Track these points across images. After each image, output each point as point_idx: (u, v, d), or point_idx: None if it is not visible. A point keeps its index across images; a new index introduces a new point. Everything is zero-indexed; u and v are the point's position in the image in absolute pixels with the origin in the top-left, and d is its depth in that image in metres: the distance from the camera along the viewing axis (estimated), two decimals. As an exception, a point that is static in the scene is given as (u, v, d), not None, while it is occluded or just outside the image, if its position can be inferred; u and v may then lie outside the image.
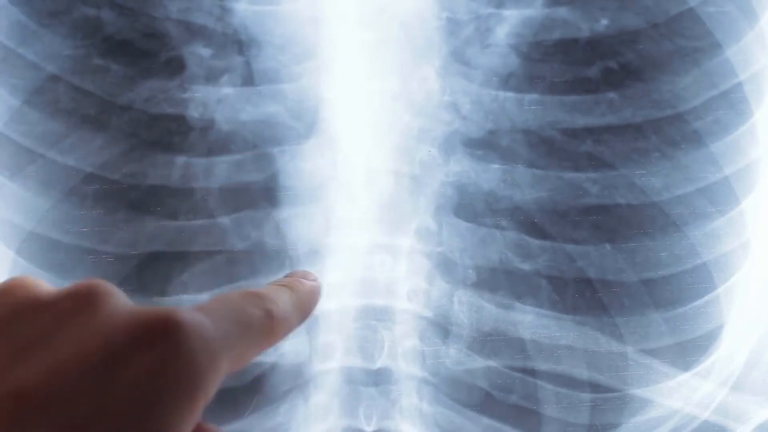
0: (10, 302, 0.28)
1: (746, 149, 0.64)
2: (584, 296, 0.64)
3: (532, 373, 0.64)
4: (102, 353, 0.25)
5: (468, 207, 0.63)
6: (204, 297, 0.62)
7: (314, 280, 0.37)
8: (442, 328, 0.64)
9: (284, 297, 0.33)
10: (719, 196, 0.64)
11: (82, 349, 0.25)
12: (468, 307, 0.63)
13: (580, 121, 0.63)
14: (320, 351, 0.63)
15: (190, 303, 0.62)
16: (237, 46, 0.61)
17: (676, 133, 0.64)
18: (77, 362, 0.25)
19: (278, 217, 0.62)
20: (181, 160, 0.61)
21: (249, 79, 0.61)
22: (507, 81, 0.63)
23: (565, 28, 0.63)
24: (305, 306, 0.35)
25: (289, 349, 0.63)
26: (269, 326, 0.31)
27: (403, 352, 0.63)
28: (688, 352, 0.64)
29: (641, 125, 0.64)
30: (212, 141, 0.61)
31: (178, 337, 0.26)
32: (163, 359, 0.26)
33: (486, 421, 0.63)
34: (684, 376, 0.64)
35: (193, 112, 0.61)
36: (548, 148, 0.63)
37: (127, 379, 0.25)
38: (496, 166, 0.63)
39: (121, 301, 0.28)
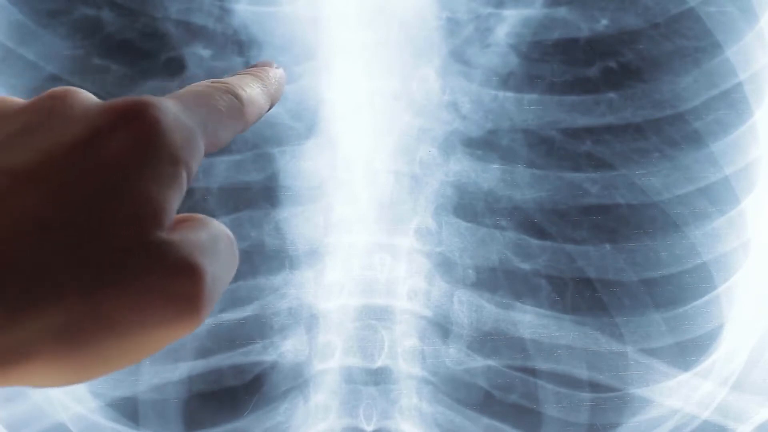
0: None
1: (746, 149, 0.64)
2: (584, 296, 0.64)
3: (532, 372, 0.64)
4: (83, 134, 0.26)
5: (468, 207, 0.63)
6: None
7: (278, 68, 0.39)
8: (442, 327, 0.64)
9: (251, 83, 0.35)
10: (719, 196, 0.64)
11: (64, 133, 0.27)
12: (468, 307, 0.63)
13: (580, 121, 0.63)
14: (320, 350, 0.63)
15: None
16: (237, 46, 0.61)
17: (676, 133, 0.64)
18: (61, 144, 0.26)
19: (278, 216, 0.62)
20: (181, 160, 0.61)
21: (249, 80, 0.61)
22: (507, 81, 0.63)
23: (565, 28, 0.63)
24: (272, 91, 0.37)
25: (288, 348, 0.63)
26: (238, 108, 0.33)
27: (403, 351, 0.63)
28: (688, 351, 0.64)
29: (641, 125, 0.64)
30: (212, 141, 0.61)
31: (152, 116, 0.27)
32: (141, 135, 0.27)
33: (486, 420, 0.63)
34: (684, 376, 0.64)
35: (193, 113, 0.61)
36: (548, 148, 0.63)
37: (109, 153, 0.26)
38: (495, 165, 0.63)
39: (92, 96, 0.29)
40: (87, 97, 0.29)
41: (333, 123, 0.62)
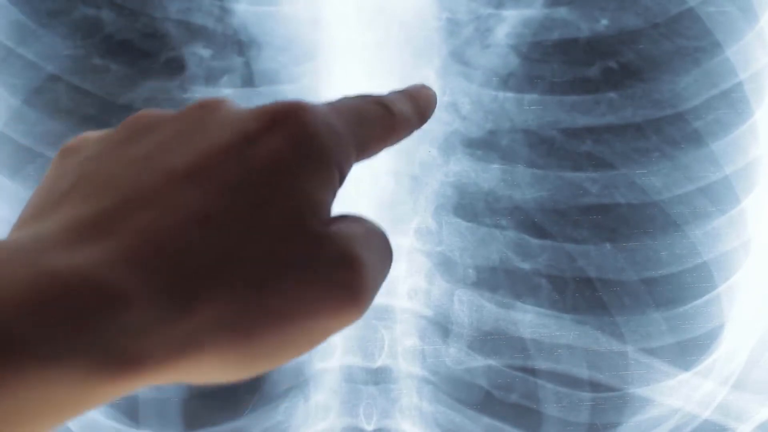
0: (144, 117, 0.30)
1: (747, 148, 0.64)
2: (584, 295, 0.64)
3: (532, 372, 0.64)
4: (238, 136, 0.27)
5: (468, 206, 0.63)
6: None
7: (430, 89, 0.39)
8: (442, 327, 0.64)
9: (403, 99, 0.35)
10: (720, 196, 0.64)
11: (219, 136, 0.27)
12: (468, 306, 0.63)
13: (580, 121, 0.63)
14: (320, 349, 0.63)
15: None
16: (237, 46, 0.61)
17: (676, 132, 0.64)
18: (217, 145, 0.27)
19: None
20: (181, 160, 0.61)
21: (249, 80, 0.61)
22: (507, 81, 0.63)
23: (565, 28, 0.63)
24: (423, 109, 0.37)
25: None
26: (389, 121, 0.33)
27: (403, 350, 0.63)
28: (688, 351, 0.64)
29: (641, 125, 0.64)
30: (212, 141, 0.61)
31: (304, 118, 0.28)
32: (294, 136, 0.28)
33: (486, 420, 0.63)
34: (685, 375, 0.64)
35: (194, 113, 0.61)
36: (548, 147, 0.63)
37: (265, 152, 0.27)
38: (495, 165, 0.63)
39: (241, 105, 0.30)
40: (237, 105, 0.30)
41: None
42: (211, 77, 0.61)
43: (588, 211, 0.64)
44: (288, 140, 0.27)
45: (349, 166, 0.30)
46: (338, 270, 0.27)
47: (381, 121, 0.33)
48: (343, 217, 0.29)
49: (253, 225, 0.26)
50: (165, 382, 0.25)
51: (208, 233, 0.25)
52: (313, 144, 0.28)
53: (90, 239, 0.24)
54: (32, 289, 0.22)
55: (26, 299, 0.22)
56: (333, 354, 0.63)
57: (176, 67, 0.61)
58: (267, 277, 0.26)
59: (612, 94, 0.63)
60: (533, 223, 0.64)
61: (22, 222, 0.28)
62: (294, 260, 0.26)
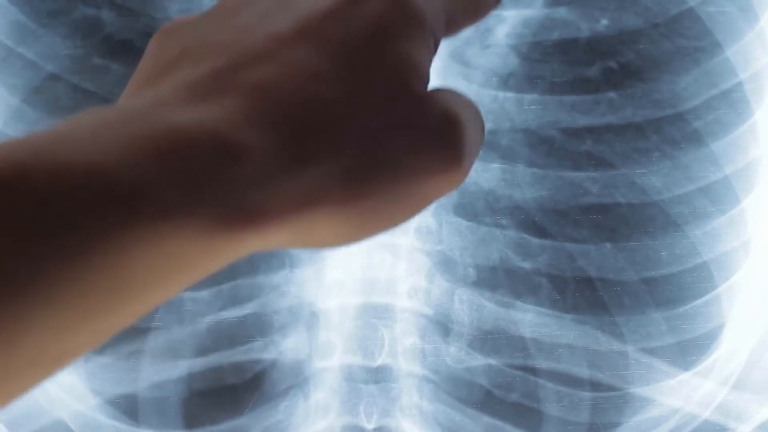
0: None
1: (747, 148, 0.64)
2: (585, 295, 0.64)
3: (532, 371, 0.64)
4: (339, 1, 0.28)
5: (468, 206, 0.63)
6: (203, 294, 0.62)
7: None
8: (442, 326, 0.64)
9: None
10: (720, 195, 0.64)
11: (319, 0, 0.28)
12: (468, 306, 0.63)
13: (580, 120, 0.63)
14: (320, 349, 0.63)
15: (189, 300, 0.62)
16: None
17: (676, 132, 0.64)
18: (319, 10, 0.27)
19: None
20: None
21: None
22: (507, 81, 0.63)
23: (565, 28, 0.63)
24: None
25: (289, 346, 0.63)
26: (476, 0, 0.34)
27: (404, 350, 0.63)
28: (688, 351, 0.64)
29: (641, 125, 0.64)
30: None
31: None
32: (394, 1, 0.28)
33: (486, 419, 0.63)
34: (685, 375, 0.64)
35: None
36: (548, 147, 0.64)
37: (368, 13, 0.27)
38: (496, 165, 0.63)
39: None
40: None
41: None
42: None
43: (588, 210, 0.64)
44: (389, 3, 0.28)
45: (440, 37, 0.31)
46: (443, 129, 0.27)
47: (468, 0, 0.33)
48: (437, 88, 0.30)
49: (361, 84, 0.27)
50: (283, 243, 0.25)
51: (321, 89, 0.26)
52: (413, 8, 0.28)
53: (208, 97, 0.25)
54: (157, 143, 0.23)
55: (151, 153, 0.22)
56: (333, 353, 0.63)
57: (176, 66, 0.61)
58: (379, 133, 0.26)
59: (612, 94, 0.63)
60: (533, 222, 0.64)
61: (133, 90, 0.28)
62: (403, 118, 0.27)
